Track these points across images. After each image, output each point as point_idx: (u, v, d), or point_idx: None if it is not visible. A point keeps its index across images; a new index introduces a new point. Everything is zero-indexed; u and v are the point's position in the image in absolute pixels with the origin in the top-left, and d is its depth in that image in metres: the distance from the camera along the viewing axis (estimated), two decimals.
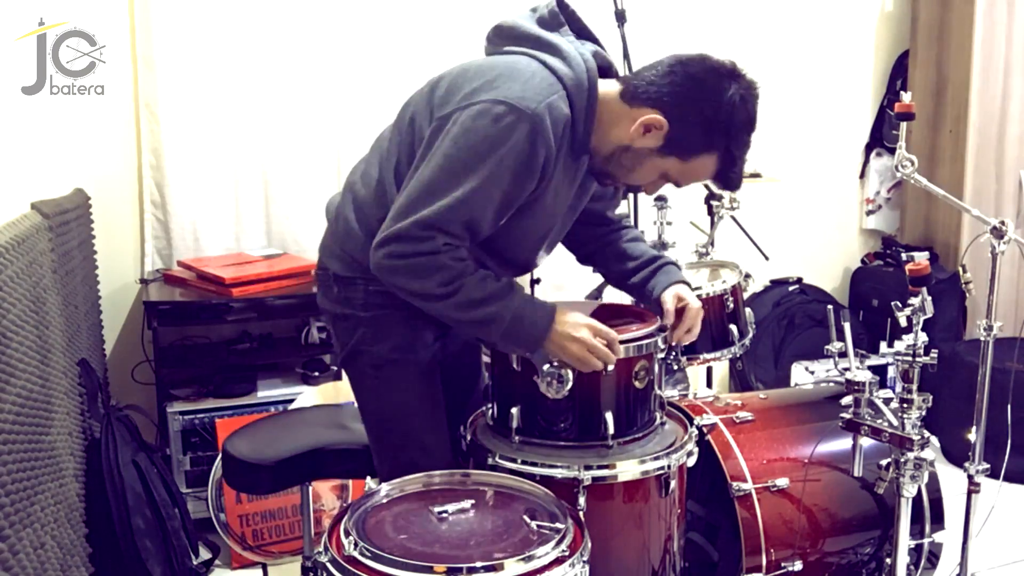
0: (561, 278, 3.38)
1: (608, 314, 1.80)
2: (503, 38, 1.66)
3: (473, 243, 1.54)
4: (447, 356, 1.76)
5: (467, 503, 1.40)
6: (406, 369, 1.67)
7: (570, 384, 1.54)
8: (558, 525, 1.31)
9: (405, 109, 1.69)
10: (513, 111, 1.45)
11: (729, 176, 1.58)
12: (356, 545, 1.24)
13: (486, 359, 1.71)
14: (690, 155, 1.54)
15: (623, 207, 3.36)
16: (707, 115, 1.50)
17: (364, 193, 1.66)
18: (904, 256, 3.81)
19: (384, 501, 1.42)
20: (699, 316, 1.74)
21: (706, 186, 2.76)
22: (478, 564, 1.20)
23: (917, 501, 2.04)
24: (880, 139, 4.07)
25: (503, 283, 1.53)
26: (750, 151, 1.58)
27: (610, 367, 1.55)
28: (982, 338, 2.07)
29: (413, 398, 1.68)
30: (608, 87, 1.58)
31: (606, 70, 1.64)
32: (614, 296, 2.26)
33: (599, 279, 3.02)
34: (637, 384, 1.61)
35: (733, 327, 2.15)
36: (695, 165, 1.56)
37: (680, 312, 1.73)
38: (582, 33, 1.68)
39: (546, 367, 1.53)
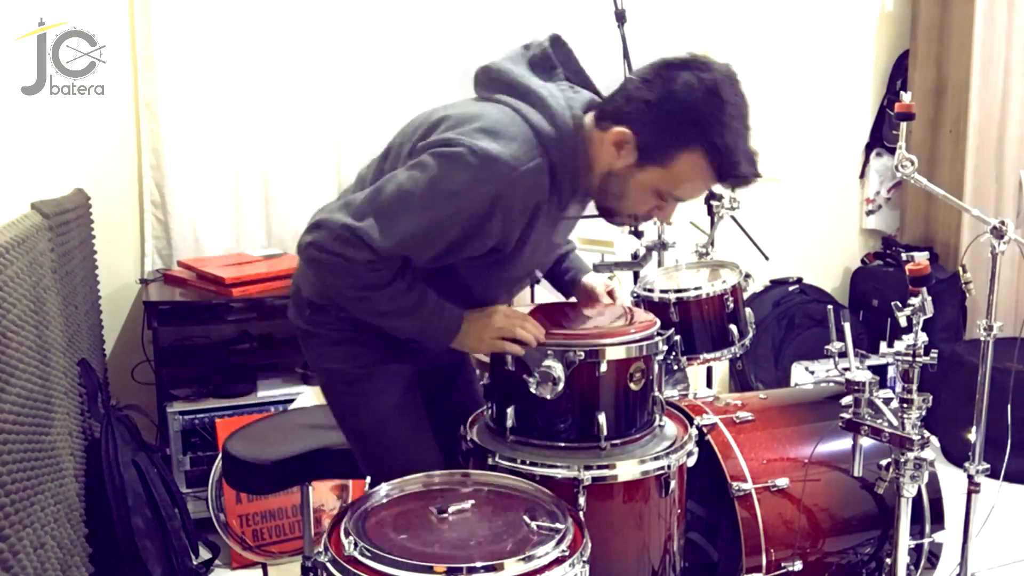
0: None
1: (607, 314, 1.80)
2: (491, 81, 1.57)
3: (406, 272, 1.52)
4: (425, 361, 1.76)
5: (467, 503, 1.39)
6: (380, 382, 1.66)
7: (562, 385, 1.54)
8: (558, 525, 1.31)
9: (387, 147, 1.66)
10: (486, 169, 1.39)
11: (729, 169, 1.44)
12: (356, 545, 1.24)
13: (485, 359, 1.71)
14: (667, 159, 1.44)
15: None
16: (669, 111, 1.41)
17: None
18: (904, 256, 3.82)
19: (384, 501, 1.42)
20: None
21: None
22: (478, 564, 1.20)
23: (917, 501, 2.04)
24: (880, 139, 4.07)
25: (413, 298, 1.52)
26: (752, 139, 1.45)
27: (533, 342, 1.54)
28: (982, 338, 2.07)
29: (392, 410, 1.66)
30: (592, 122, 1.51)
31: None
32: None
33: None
34: (633, 386, 1.61)
35: (733, 327, 2.15)
36: (680, 168, 1.45)
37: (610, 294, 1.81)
38: (579, 75, 1.62)
39: (537, 367, 1.53)
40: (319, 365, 1.72)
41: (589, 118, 1.52)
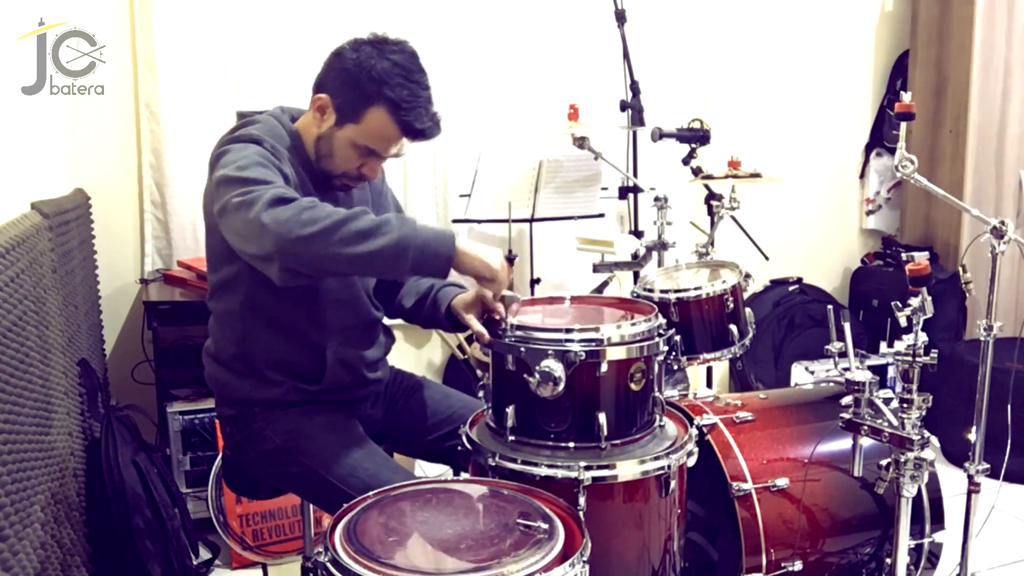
0: (561, 277, 3.39)
1: (605, 309, 1.80)
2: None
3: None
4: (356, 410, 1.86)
5: (462, 504, 1.39)
6: (316, 432, 1.75)
7: (562, 385, 1.54)
8: (551, 527, 1.31)
9: None
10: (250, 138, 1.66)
11: (406, 123, 1.66)
12: (347, 550, 1.24)
13: (485, 358, 1.71)
14: (358, 115, 1.68)
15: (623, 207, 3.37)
16: (353, 74, 1.66)
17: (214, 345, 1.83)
18: (904, 256, 3.82)
19: (380, 503, 1.42)
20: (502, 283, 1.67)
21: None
22: (473, 566, 1.20)
23: (917, 501, 2.04)
24: (880, 139, 4.07)
25: (347, 210, 1.57)
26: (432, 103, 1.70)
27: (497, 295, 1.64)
28: (982, 338, 2.07)
29: (339, 444, 1.72)
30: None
31: None
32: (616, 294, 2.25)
33: (599, 279, 3.03)
34: (633, 386, 1.61)
35: (733, 327, 2.15)
36: (370, 124, 1.67)
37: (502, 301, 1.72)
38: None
39: (538, 367, 1.53)
40: (271, 436, 1.77)
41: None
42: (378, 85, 1.65)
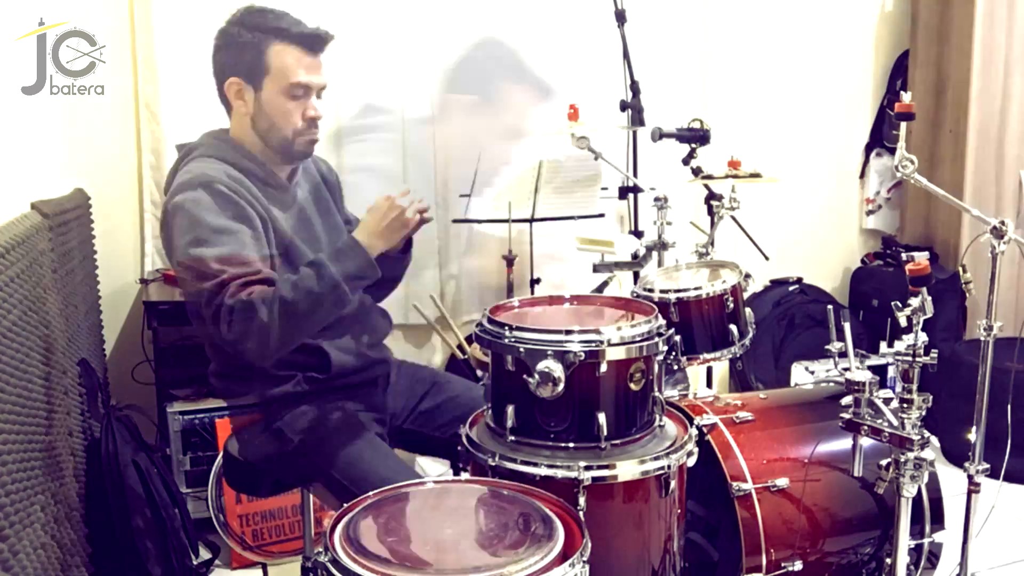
0: (561, 277, 3.39)
1: (605, 310, 1.80)
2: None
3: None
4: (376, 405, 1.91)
5: (462, 504, 1.39)
6: (338, 432, 1.79)
7: (562, 385, 1.54)
8: (551, 528, 1.31)
9: None
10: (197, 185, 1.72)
11: (296, 36, 1.78)
12: (347, 551, 1.24)
13: (485, 358, 1.71)
14: (263, 67, 1.75)
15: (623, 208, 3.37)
16: (235, 41, 1.76)
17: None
18: (904, 256, 3.78)
19: (380, 503, 1.42)
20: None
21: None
22: (473, 566, 1.20)
23: (917, 501, 2.04)
24: (880, 139, 4.07)
25: (303, 274, 1.69)
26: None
27: (414, 212, 1.75)
28: (982, 338, 2.06)
29: (357, 448, 1.76)
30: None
31: None
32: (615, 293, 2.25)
33: (599, 279, 3.03)
34: (633, 386, 1.61)
35: (733, 327, 2.15)
36: (275, 63, 1.76)
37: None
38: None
39: (538, 367, 1.53)
40: (290, 436, 1.80)
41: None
42: (253, 31, 1.74)
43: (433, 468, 2.85)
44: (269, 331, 1.60)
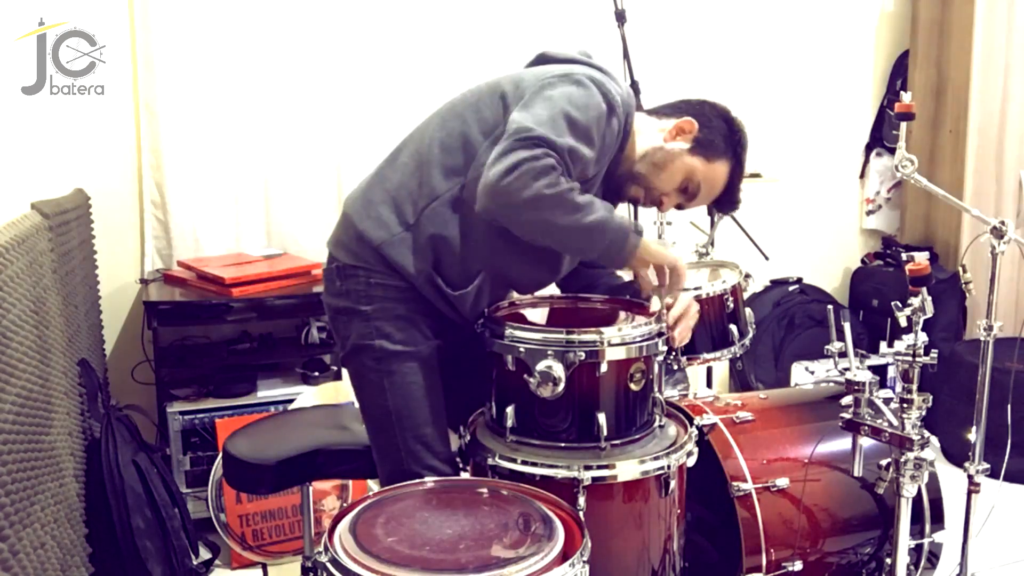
0: None
1: (605, 310, 1.80)
2: (553, 60, 1.79)
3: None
4: (448, 352, 1.77)
5: (462, 504, 1.39)
6: (408, 361, 1.68)
7: (562, 385, 1.54)
8: (551, 528, 1.31)
9: (454, 108, 1.76)
10: (603, 94, 1.64)
11: (733, 190, 1.79)
12: (347, 551, 1.24)
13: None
14: (713, 157, 1.75)
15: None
16: (725, 125, 1.78)
17: (398, 177, 1.71)
18: (904, 256, 3.81)
19: (380, 503, 1.42)
20: (695, 314, 1.79)
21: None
22: (473, 566, 1.20)
23: (917, 501, 2.04)
24: (880, 139, 4.07)
25: (588, 198, 1.60)
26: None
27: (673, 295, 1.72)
28: (982, 338, 2.07)
29: (415, 390, 1.69)
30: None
31: None
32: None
33: None
34: (633, 386, 1.61)
35: (733, 327, 2.14)
36: (715, 169, 1.76)
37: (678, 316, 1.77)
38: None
39: (538, 367, 1.53)
40: (351, 342, 1.71)
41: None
42: (738, 148, 1.78)
43: None
44: (540, 198, 1.52)
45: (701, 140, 1.75)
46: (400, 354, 1.68)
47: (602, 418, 1.56)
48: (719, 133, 1.76)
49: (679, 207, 1.83)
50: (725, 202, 1.82)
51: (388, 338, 1.68)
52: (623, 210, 3.29)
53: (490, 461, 1.58)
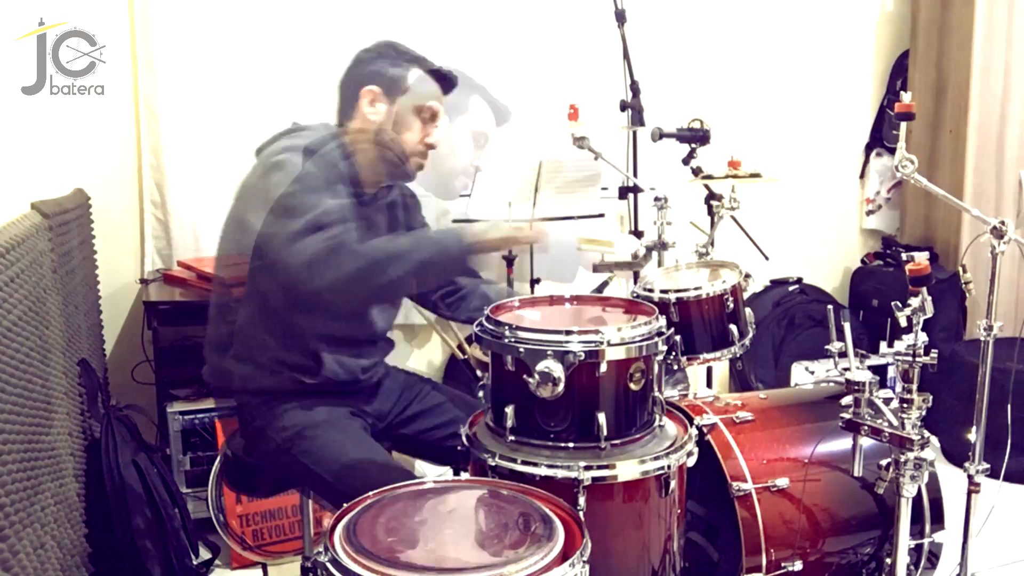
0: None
1: (604, 309, 1.80)
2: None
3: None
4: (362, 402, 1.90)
5: (462, 504, 1.39)
6: (332, 426, 1.79)
7: (562, 385, 1.54)
8: (551, 528, 1.31)
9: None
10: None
11: (442, 77, 1.87)
12: (347, 551, 1.24)
13: (485, 358, 1.71)
14: (402, 85, 1.83)
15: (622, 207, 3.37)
16: (385, 55, 1.87)
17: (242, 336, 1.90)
18: (904, 256, 3.81)
19: (380, 503, 1.42)
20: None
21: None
22: (473, 566, 1.20)
23: (917, 501, 2.04)
24: (880, 139, 4.07)
25: (403, 235, 1.75)
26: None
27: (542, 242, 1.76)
28: (982, 338, 2.07)
29: (352, 443, 1.77)
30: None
31: None
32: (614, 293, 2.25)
33: (599, 279, 3.03)
34: (633, 386, 1.61)
35: (733, 327, 2.14)
36: (413, 82, 1.84)
37: None
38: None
39: (538, 367, 1.53)
40: (271, 435, 1.80)
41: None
42: (402, 55, 1.86)
43: (433, 469, 2.85)
44: (356, 268, 1.60)
45: (386, 87, 1.83)
46: (320, 424, 1.79)
47: (602, 418, 1.56)
48: (386, 63, 1.85)
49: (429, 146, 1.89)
50: (442, 84, 1.89)
51: (304, 417, 1.80)
52: (623, 210, 3.26)
53: (490, 461, 1.58)
